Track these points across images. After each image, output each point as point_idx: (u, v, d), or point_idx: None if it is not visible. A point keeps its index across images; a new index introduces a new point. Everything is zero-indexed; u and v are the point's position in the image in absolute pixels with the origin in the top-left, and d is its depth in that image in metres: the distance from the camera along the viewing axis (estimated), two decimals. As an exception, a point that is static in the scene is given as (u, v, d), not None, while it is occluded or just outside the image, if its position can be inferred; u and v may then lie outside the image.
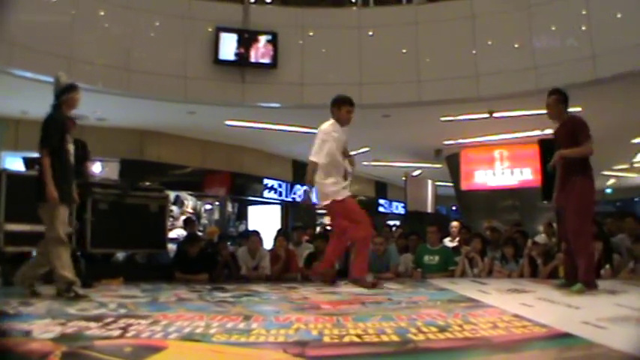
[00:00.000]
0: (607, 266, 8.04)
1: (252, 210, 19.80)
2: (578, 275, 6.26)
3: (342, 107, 7.16)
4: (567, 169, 6.43)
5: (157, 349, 3.22)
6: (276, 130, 14.88)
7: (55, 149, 6.00)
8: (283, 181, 19.35)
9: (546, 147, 7.80)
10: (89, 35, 11.24)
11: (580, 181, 6.36)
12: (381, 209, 26.29)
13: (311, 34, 12.90)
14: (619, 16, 10.03)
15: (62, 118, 6.24)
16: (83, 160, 8.93)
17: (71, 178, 6.28)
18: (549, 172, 6.79)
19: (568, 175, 6.42)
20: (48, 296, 5.91)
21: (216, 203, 18.20)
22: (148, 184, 10.34)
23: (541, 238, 10.63)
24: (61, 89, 6.26)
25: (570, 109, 6.80)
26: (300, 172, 19.78)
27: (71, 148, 6.29)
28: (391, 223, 22.86)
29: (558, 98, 6.69)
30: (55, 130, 6.08)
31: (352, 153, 7.66)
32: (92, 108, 11.88)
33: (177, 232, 12.95)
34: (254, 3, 13.44)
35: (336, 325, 3.96)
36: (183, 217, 15.18)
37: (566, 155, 6.37)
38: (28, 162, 8.67)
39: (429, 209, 20.89)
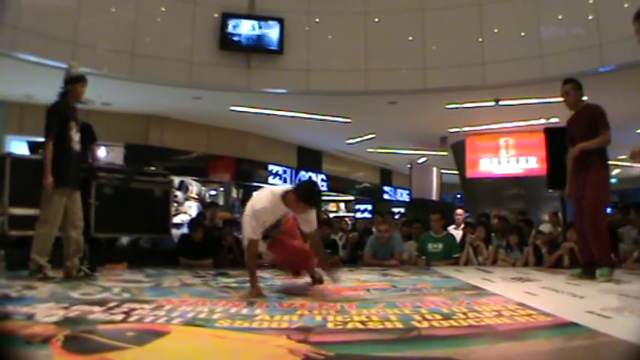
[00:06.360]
0: (612, 256, 8.04)
1: (257, 196, 19.78)
2: (594, 263, 6.30)
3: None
4: (583, 159, 6.39)
5: (159, 334, 3.23)
6: (281, 116, 14.84)
7: (58, 136, 6.11)
8: (288, 167, 19.28)
9: (552, 136, 7.75)
10: (95, 19, 11.16)
11: (596, 171, 6.35)
12: (385, 196, 26.16)
13: (317, 20, 12.83)
14: (626, 5, 9.93)
15: (65, 106, 6.38)
16: (89, 143, 8.97)
17: (74, 163, 6.39)
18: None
19: (584, 165, 6.39)
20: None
21: (221, 189, 18.17)
22: (152, 169, 10.33)
23: (546, 227, 10.60)
24: (69, 78, 6.44)
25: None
26: (305, 158, 19.81)
27: (76, 135, 6.38)
28: (396, 210, 22.85)
29: (575, 85, 6.69)
30: (57, 117, 6.25)
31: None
32: (97, 92, 11.85)
33: (182, 218, 12.96)
34: (260, -12, 13.32)
35: (340, 312, 3.97)
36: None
37: (585, 148, 6.33)
38: (32, 146, 8.66)
39: (434, 197, 20.78)
